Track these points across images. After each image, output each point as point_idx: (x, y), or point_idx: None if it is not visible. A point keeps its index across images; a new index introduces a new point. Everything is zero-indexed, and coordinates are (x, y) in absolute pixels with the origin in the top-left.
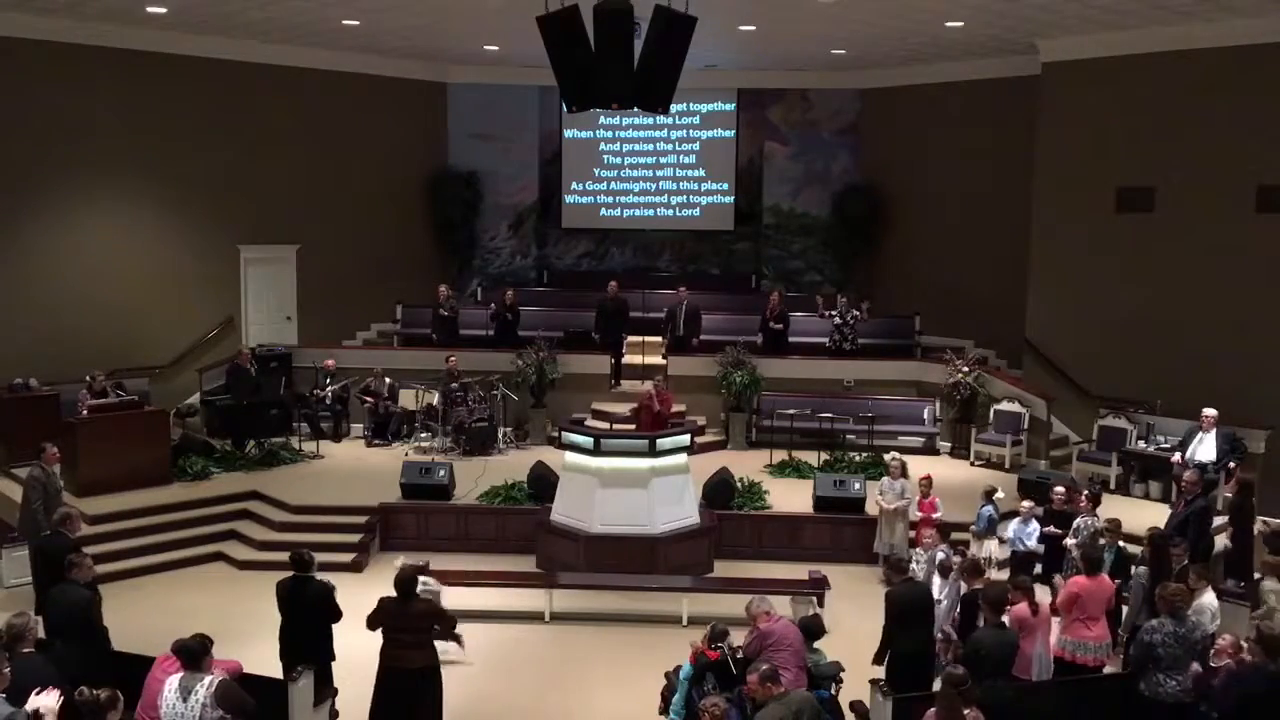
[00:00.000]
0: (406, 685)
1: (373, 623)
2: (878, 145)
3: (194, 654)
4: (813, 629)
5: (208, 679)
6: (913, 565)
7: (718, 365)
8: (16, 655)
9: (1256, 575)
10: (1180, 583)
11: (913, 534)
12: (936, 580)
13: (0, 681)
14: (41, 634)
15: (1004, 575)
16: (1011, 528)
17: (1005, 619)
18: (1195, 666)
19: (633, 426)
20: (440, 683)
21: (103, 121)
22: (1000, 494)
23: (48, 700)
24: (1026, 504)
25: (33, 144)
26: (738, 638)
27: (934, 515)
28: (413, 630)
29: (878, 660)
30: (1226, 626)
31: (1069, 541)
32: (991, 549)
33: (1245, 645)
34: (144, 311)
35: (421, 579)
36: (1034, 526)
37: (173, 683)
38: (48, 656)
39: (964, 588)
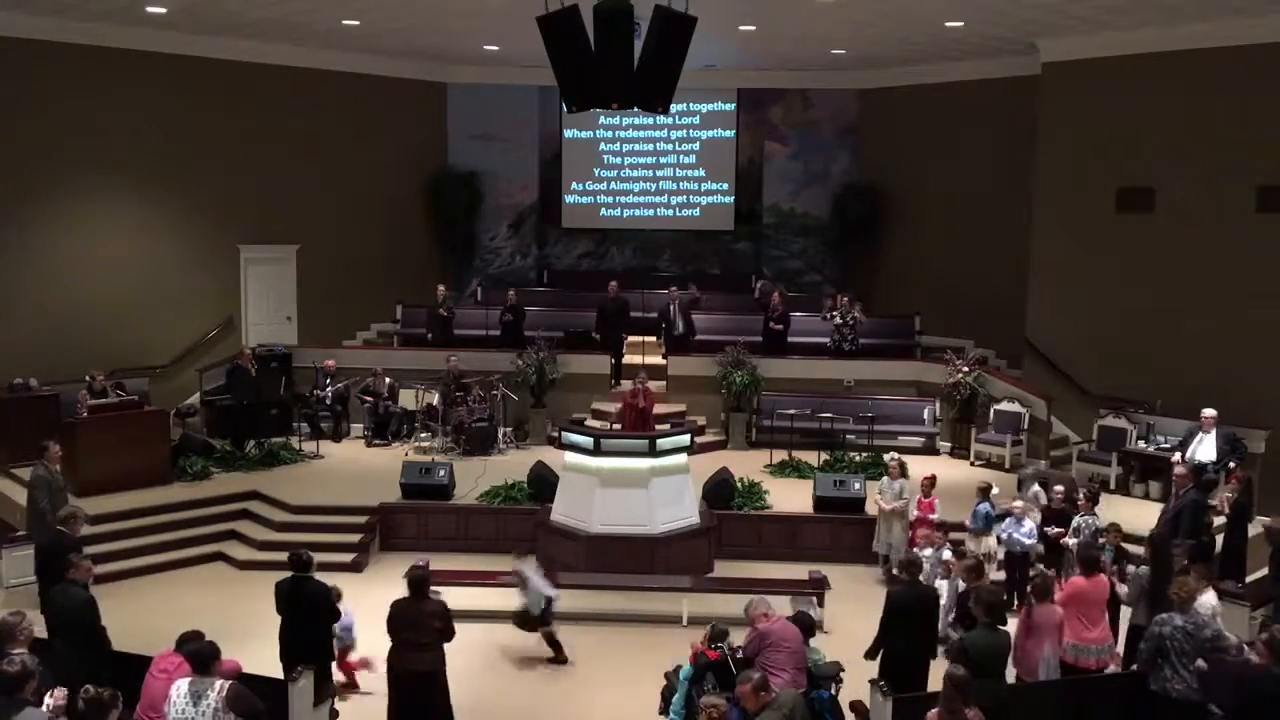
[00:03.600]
0: (414, 687)
1: (388, 626)
2: (878, 145)
3: (204, 659)
4: (804, 625)
5: (218, 683)
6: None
7: (718, 365)
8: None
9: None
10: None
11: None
12: (944, 582)
13: (30, 685)
14: (43, 634)
15: (999, 575)
16: (1005, 527)
17: (1011, 621)
18: (1200, 663)
19: (618, 427)
20: (445, 688)
21: (103, 121)
22: (995, 490)
23: (54, 702)
24: (1019, 503)
25: (33, 144)
26: (738, 638)
27: (930, 516)
28: (418, 630)
29: (869, 655)
30: (1226, 626)
31: (1068, 540)
32: (991, 546)
33: (1247, 646)
34: (144, 311)
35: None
36: (1029, 525)
37: (181, 687)
38: (46, 656)
39: (960, 586)
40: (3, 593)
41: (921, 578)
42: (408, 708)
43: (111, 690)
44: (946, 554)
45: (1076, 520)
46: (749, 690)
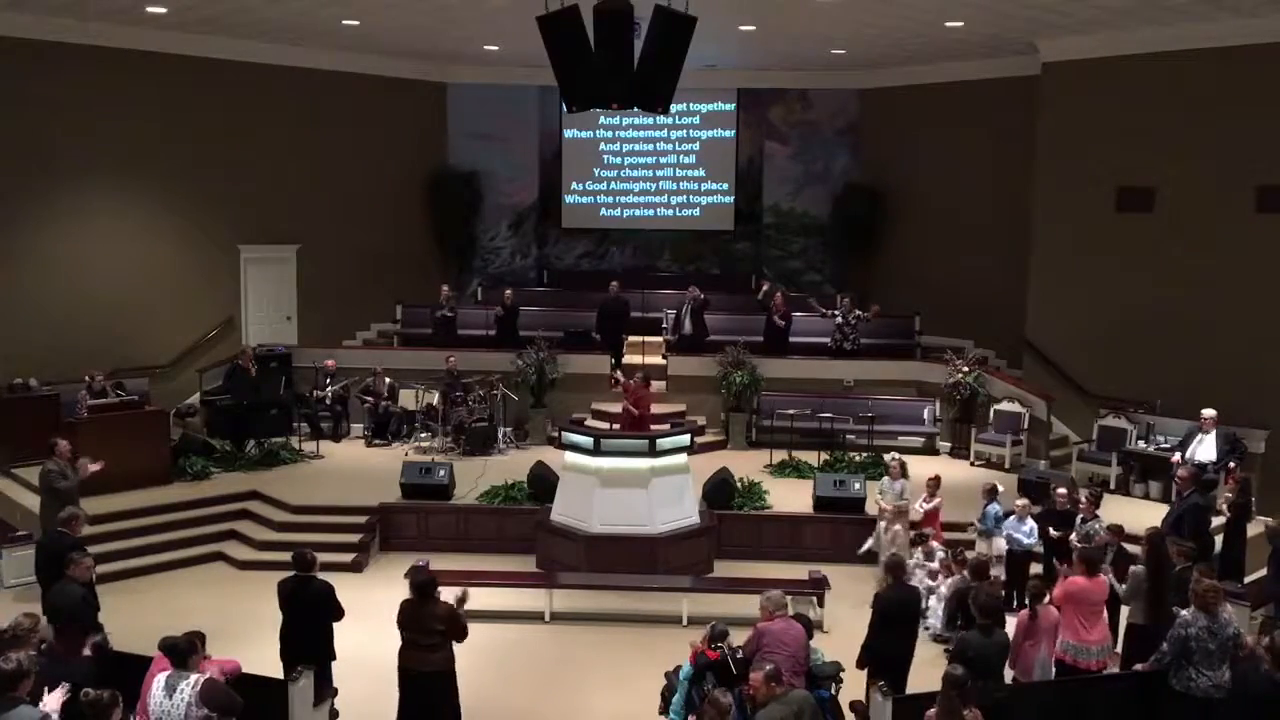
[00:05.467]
0: (419, 687)
1: (398, 625)
2: (878, 145)
3: (181, 652)
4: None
5: (193, 677)
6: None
7: (718, 365)
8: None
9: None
10: (1182, 582)
11: (913, 533)
12: (948, 580)
13: (26, 684)
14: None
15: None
16: (1007, 526)
17: (1011, 620)
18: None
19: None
20: (455, 688)
21: (103, 121)
22: (1001, 489)
23: (52, 701)
24: (1021, 502)
25: (33, 144)
26: (738, 638)
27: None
28: (424, 632)
29: (860, 664)
30: None
31: (1074, 540)
32: (1001, 547)
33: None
34: (144, 311)
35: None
36: (1030, 525)
37: (160, 680)
38: (45, 655)
39: (943, 587)
40: (5, 592)
41: (918, 580)
42: (416, 707)
43: (111, 691)
44: (941, 554)
45: (1082, 527)
46: (761, 678)
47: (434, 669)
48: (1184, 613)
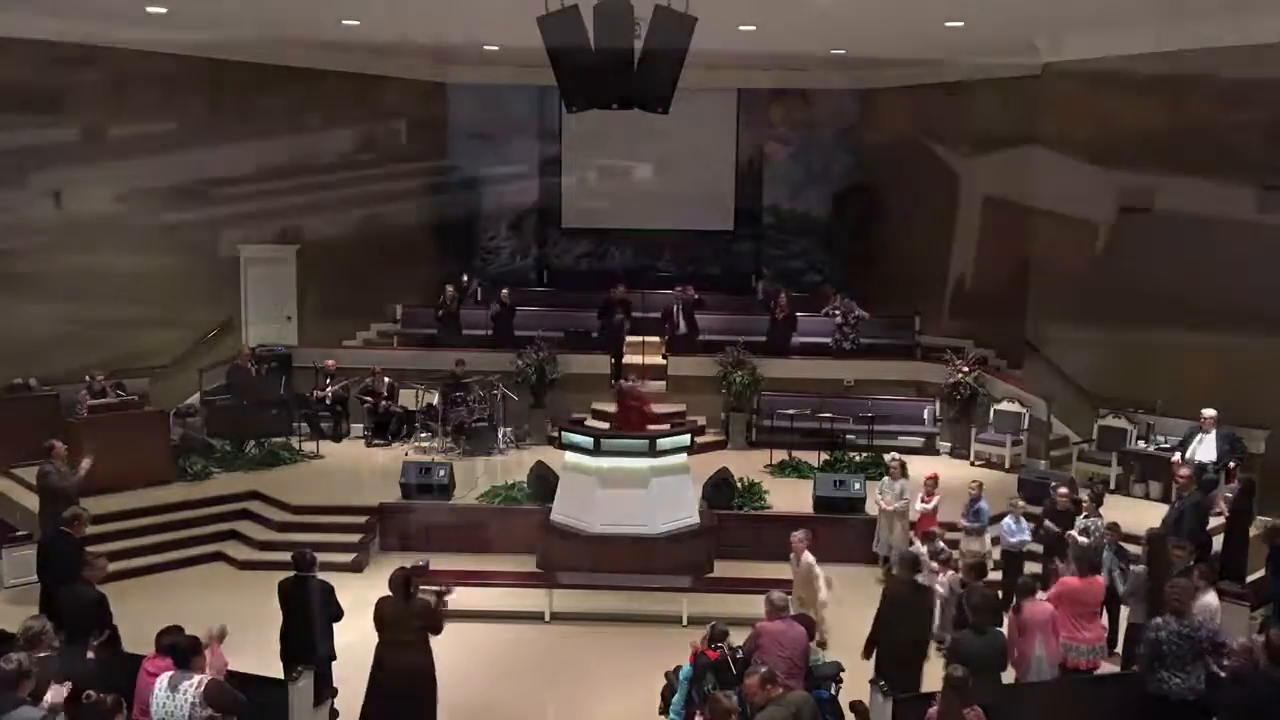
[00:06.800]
0: (396, 687)
1: (375, 624)
2: (878, 145)
3: (183, 653)
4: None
5: (196, 677)
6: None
7: (718, 365)
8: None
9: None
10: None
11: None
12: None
13: (27, 685)
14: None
15: (997, 574)
16: (1004, 525)
17: (1005, 619)
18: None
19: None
20: (433, 686)
21: (102, 121)
22: (984, 486)
23: (52, 698)
24: (1020, 502)
25: (32, 144)
26: (738, 638)
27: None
28: (404, 629)
29: (865, 654)
30: (1226, 626)
31: (1076, 536)
32: (988, 545)
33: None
34: (144, 311)
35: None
36: (1026, 524)
37: (163, 680)
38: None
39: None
40: (4, 592)
41: (923, 577)
42: (395, 705)
43: (115, 696)
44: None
45: (1082, 522)
46: (755, 683)
47: (415, 666)
48: (1155, 619)
